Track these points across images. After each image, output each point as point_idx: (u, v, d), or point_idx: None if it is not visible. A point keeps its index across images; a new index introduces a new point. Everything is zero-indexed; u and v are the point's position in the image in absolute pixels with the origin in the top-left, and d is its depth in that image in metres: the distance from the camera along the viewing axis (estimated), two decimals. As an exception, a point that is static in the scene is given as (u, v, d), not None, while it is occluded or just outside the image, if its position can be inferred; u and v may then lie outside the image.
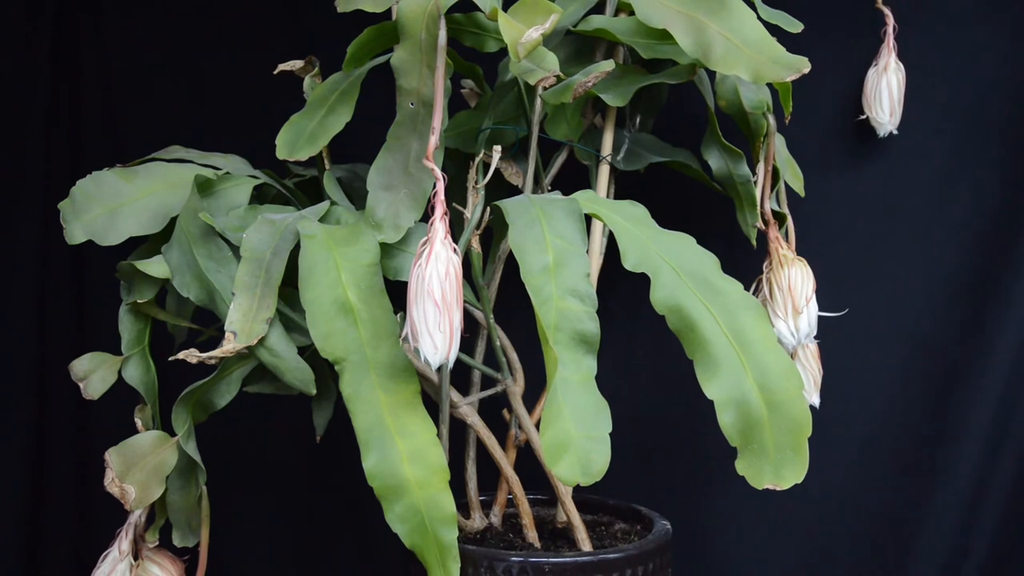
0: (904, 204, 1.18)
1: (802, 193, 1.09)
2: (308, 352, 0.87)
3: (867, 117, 1.15)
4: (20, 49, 1.23)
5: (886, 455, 1.21)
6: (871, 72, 1.14)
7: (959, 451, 1.18)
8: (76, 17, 1.25)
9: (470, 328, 1.00)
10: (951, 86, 1.16)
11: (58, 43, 1.25)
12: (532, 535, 0.97)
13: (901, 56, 1.13)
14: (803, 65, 0.82)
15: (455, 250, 0.76)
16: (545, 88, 0.86)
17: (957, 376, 1.18)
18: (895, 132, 1.14)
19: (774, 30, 0.88)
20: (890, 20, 1.13)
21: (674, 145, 1.09)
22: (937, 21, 1.16)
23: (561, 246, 0.81)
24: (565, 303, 0.79)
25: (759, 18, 0.86)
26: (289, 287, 0.86)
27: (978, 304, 1.17)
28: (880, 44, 1.13)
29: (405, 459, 0.80)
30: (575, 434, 0.76)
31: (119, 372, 0.93)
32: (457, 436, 0.98)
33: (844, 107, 1.17)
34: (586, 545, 0.95)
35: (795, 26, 0.98)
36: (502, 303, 0.99)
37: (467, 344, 0.96)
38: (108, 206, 0.92)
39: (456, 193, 0.93)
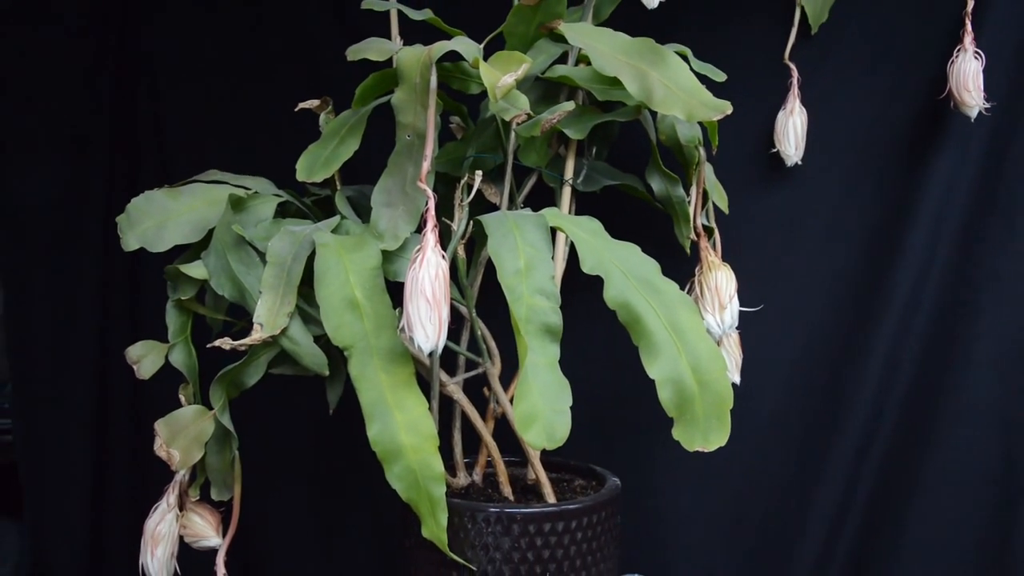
0: (807, 220, 1.19)
1: (726, 211, 1.09)
2: (322, 340, 0.86)
3: (778, 150, 1.14)
4: (85, 101, 1.22)
5: (791, 421, 1.21)
6: (780, 114, 1.14)
7: (849, 416, 1.18)
8: (136, 67, 1.23)
9: (456, 321, 0.98)
10: (844, 126, 1.17)
11: (119, 86, 1.23)
12: (507, 490, 0.96)
13: (804, 102, 1.13)
14: (726, 107, 0.82)
15: (443, 256, 0.76)
16: (518, 124, 0.85)
17: (848, 357, 1.18)
18: (800, 163, 1.14)
19: (703, 79, 0.88)
20: (795, 73, 1.13)
21: (624, 171, 1.08)
22: (833, 74, 1.16)
23: (531, 253, 0.80)
24: (534, 300, 0.78)
25: (691, 69, 0.85)
26: (306, 287, 0.84)
27: (865, 300, 1.17)
28: (787, 92, 1.13)
29: (402, 428, 0.80)
30: (542, 407, 0.76)
31: (166, 356, 0.92)
32: (445, 410, 0.98)
33: (759, 142, 1.17)
34: (551, 498, 0.94)
35: (720, 76, 0.99)
36: (483, 300, 0.98)
37: (454, 334, 0.95)
38: (157, 220, 0.91)
39: (445, 209, 0.92)
